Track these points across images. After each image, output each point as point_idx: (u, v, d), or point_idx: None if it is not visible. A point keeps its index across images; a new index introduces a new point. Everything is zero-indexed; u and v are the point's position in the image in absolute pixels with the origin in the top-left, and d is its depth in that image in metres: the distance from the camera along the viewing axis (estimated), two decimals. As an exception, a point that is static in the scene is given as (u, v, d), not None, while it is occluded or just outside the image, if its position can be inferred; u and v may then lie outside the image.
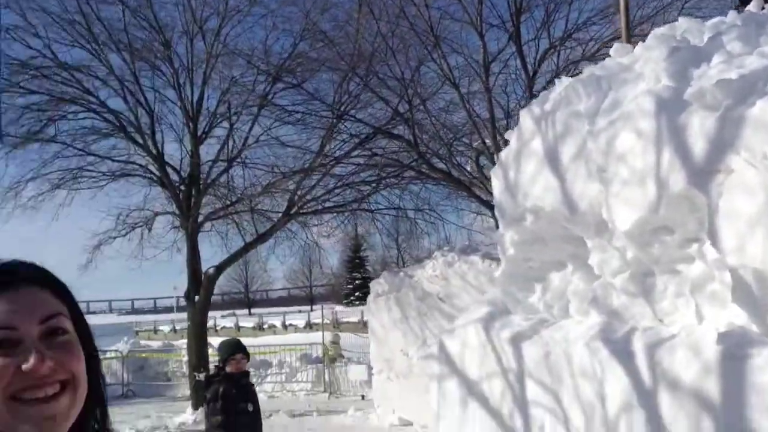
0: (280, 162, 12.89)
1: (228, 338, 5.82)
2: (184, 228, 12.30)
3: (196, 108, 12.06)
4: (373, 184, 12.62)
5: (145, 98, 11.85)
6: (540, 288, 4.70)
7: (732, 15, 4.33)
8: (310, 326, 39.39)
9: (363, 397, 15.28)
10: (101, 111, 11.71)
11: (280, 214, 12.81)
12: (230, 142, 12.25)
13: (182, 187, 12.33)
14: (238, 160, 12.52)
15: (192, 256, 12.23)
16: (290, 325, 41.92)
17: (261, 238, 13.02)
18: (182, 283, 12.99)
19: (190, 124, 12.06)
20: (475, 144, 10.75)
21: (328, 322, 25.16)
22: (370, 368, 15.10)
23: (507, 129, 10.25)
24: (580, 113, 3.92)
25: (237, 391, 4.99)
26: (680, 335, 3.66)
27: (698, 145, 3.39)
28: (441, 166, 10.41)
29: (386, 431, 11.43)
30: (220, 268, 12.83)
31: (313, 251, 15.42)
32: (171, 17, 11.88)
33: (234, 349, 5.21)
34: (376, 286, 13.05)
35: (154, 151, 11.88)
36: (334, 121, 11.45)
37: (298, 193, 12.40)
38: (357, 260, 56.55)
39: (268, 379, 16.91)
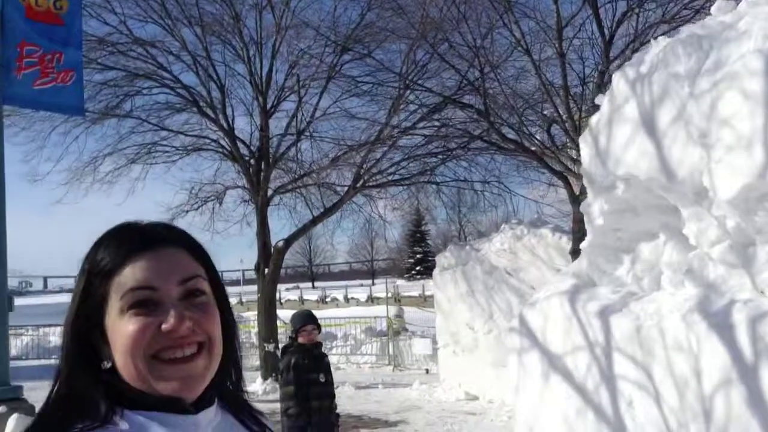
0: (347, 135, 12.91)
1: (300, 310, 5.82)
2: (254, 202, 12.47)
3: (265, 81, 12.14)
4: (440, 156, 12.48)
5: (216, 73, 12.05)
6: (629, 259, 4.53)
7: None
8: (371, 300, 39.85)
9: (427, 371, 15.32)
10: (175, 86, 11.93)
11: (347, 188, 12.83)
12: (299, 115, 12.32)
13: (252, 161, 12.48)
14: (306, 133, 12.58)
15: (262, 229, 12.40)
16: (352, 298, 42.47)
17: (328, 212, 13.09)
18: (249, 256, 13.25)
19: (260, 97, 12.15)
20: (546, 112, 10.44)
21: (390, 296, 25.26)
22: (434, 342, 15.12)
23: (582, 96, 9.96)
24: (679, 75, 3.71)
25: (308, 362, 5.03)
26: (786, 308, 3.46)
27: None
28: (512, 136, 10.15)
29: (452, 405, 11.41)
30: (288, 241, 12.98)
31: (379, 225, 15.42)
32: (241, -10, 11.92)
33: (305, 320, 5.25)
34: (442, 259, 12.98)
35: (225, 126, 12.05)
36: (402, 91, 11.32)
37: (364, 166, 12.38)
38: (418, 234, 56.62)
39: (333, 351, 17.15)
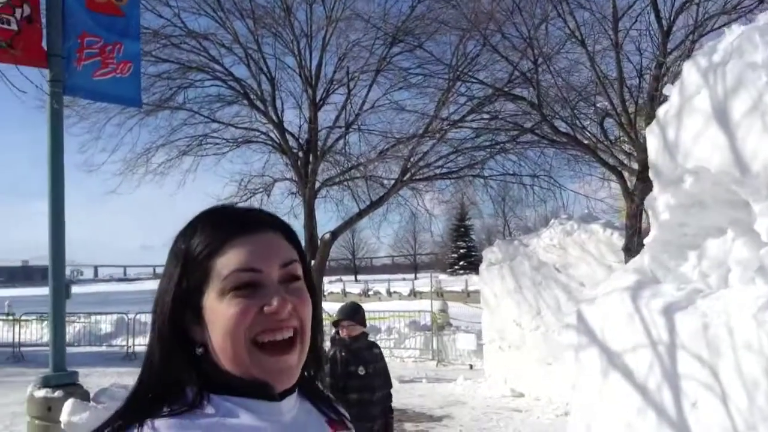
0: (395, 128, 12.87)
1: (345, 303, 5.77)
2: (302, 194, 12.53)
3: (314, 74, 12.18)
4: (488, 150, 12.35)
5: (267, 65, 12.10)
6: (695, 255, 4.39)
7: None
8: (414, 294, 39.92)
9: (471, 366, 15.24)
10: (226, 78, 12.05)
11: (394, 181, 12.80)
12: (348, 108, 12.33)
13: (300, 154, 12.54)
14: (354, 126, 12.58)
15: (309, 221, 12.46)
16: (395, 292, 42.63)
17: (374, 205, 13.08)
18: (296, 249, 13.29)
19: (309, 90, 12.20)
20: (599, 105, 10.23)
21: (432, 290, 25.20)
22: (478, 338, 15.03)
23: (639, 88, 9.71)
24: (756, 64, 3.57)
25: (346, 355, 5.02)
26: None
27: None
28: (564, 129, 9.97)
29: (497, 401, 11.32)
30: (335, 234, 13.02)
31: (424, 219, 15.35)
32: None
33: (339, 314, 5.28)
34: (489, 254, 12.87)
35: (275, 118, 12.12)
36: (451, 83, 11.22)
37: (412, 159, 12.33)
38: (462, 229, 56.35)
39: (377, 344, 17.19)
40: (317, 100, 12.30)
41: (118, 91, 7.08)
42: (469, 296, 35.41)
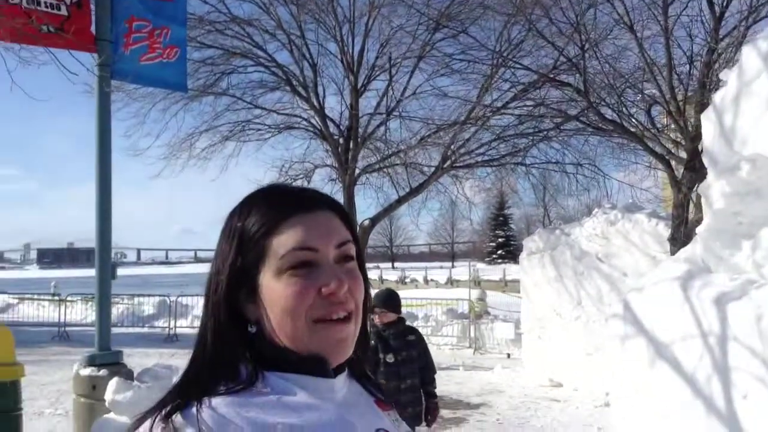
0: (436, 114, 12.79)
1: (379, 290, 5.66)
2: (342, 180, 12.56)
3: (356, 60, 12.17)
4: (531, 137, 12.19)
5: (309, 51, 12.12)
6: (749, 245, 4.26)
7: None
8: (451, 282, 39.84)
9: (509, 355, 15.17)
10: (269, 65, 12.11)
11: (434, 168, 12.74)
12: (389, 94, 12.30)
13: (341, 140, 12.56)
14: (396, 112, 12.55)
15: (349, 208, 12.49)
16: (432, 280, 42.62)
17: (414, 192, 13.04)
18: (336, 235, 13.31)
19: (351, 76, 12.20)
20: (647, 92, 9.99)
21: (470, 279, 25.12)
22: (517, 327, 14.93)
23: (689, 75, 9.46)
24: (820, 47, 3.43)
25: (376, 342, 5.00)
26: None
27: None
28: (610, 116, 9.77)
29: (535, 391, 11.24)
30: (374, 220, 13.04)
31: (464, 206, 15.25)
32: (336, -32, 11.96)
33: (373, 301, 5.13)
34: (529, 243, 12.74)
35: (316, 104, 12.16)
36: (495, 69, 11.08)
37: (453, 146, 12.24)
38: (501, 218, 55.86)
39: (414, 331, 17.21)
40: (359, 87, 12.28)
41: (165, 75, 7.17)
42: (506, 285, 35.23)
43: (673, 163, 9.50)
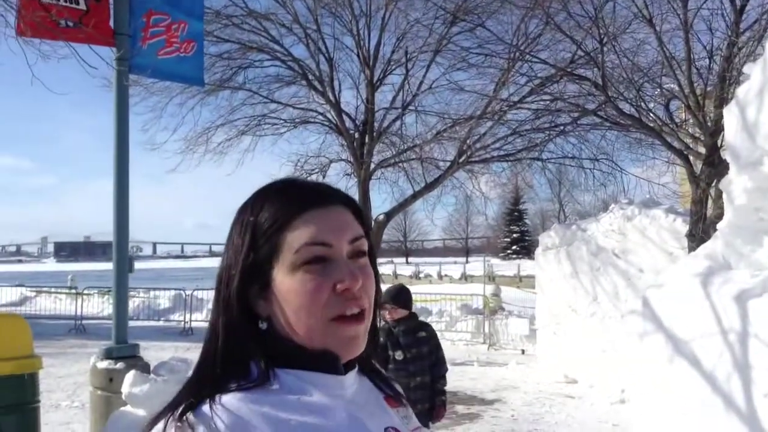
0: (452, 109, 12.74)
1: (389, 286, 5.58)
2: (357, 175, 12.56)
3: (373, 54, 12.16)
4: (547, 132, 12.11)
5: (326, 46, 12.15)
6: (771, 242, 4.21)
7: None
8: (465, 278, 39.76)
9: (523, 351, 15.12)
10: (285, 59, 12.14)
11: (449, 163, 12.70)
12: (405, 88, 12.27)
13: (356, 135, 12.56)
14: (411, 107, 12.53)
15: (363, 202, 12.49)
16: (446, 275, 42.57)
17: (429, 187, 13.02)
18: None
19: (367, 70, 12.18)
20: (666, 87, 9.87)
21: (484, 274, 25.04)
22: (531, 323, 14.87)
23: (709, 69, 9.33)
24: None
25: (384, 339, 4.95)
26: None
27: None
28: (628, 111, 9.67)
29: (550, 387, 11.19)
30: (389, 215, 13.03)
31: (479, 201, 15.19)
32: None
33: (384, 297, 5.06)
34: (545, 238, 12.67)
35: (332, 99, 12.15)
36: (511, 63, 11.01)
37: (468, 141, 12.19)
38: (516, 213, 55.60)
39: (428, 326, 17.19)
40: (375, 81, 12.27)
41: (182, 70, 7.18)
42: (521, 281, 35.11)
43: (691, 158, 9.39)
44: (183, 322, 18.83)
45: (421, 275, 43.79)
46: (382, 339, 4.94)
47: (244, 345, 0.97)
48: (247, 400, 0.91)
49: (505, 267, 43.40)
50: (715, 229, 5.20)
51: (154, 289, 22.21)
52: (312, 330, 0.96)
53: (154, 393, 5.91)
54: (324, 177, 13.60)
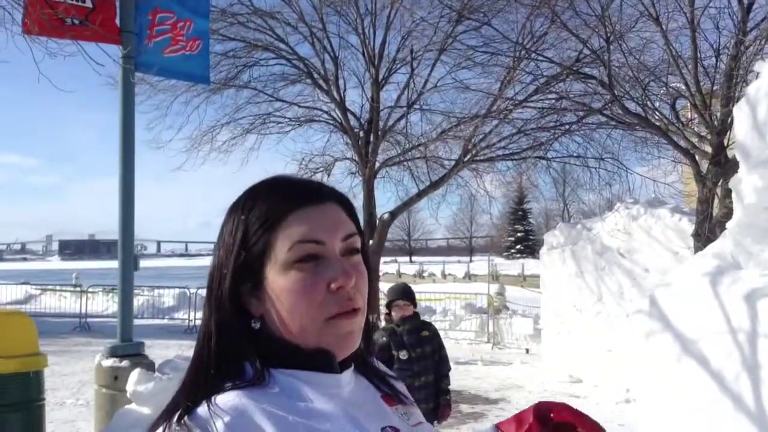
0: (457, 108, 12.74)
1: (394, 284, 5.52)
2: (362, 174, 12.56)
3: (378, 53, 12.15)
4: (553, 131, 12.08)
5: (331, 44, 12.14)
6: (780, 241, 4.18)
7: None
8: (469, 277, 39.75)
9: (528, 350, 15.10)
10: (290, 57, 12.15)
11: (454, 162, 12.68)
12: (410, 86, 12.26)
13: (361, 134, 12.56)
14: (416, 105, 12.51)
15: (368, 201, 12.49)
16: (449, 274, 42.59)
17: (434, 185, 13.01)
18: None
19: (372, 69, 12.18)
20: (672, 85, 9.83)
21: (488, 273, 25.03)
22: (536, 322, 14.85)
23: (716, 68, 9.30)
24: None
25: (388, 339, 4.90)
26: None
27: None
28: (634, 110, 9.64)
29: (554, 387, 11.17)
30: (394, 214, 13.02)
31: (483, 200, 15.17)
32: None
33: (393, 294, 5.06)
34: (550, 237, 12.64)
35: (337, 97, 12.16)
36: (517, 61, 10.99)
37: (473, 139, 12.17)
38: (520, 212, 55.55)
39: (432, 325, 17.19)
40: (380, 80, 12.26)
41: (188, 68, 7.18)
42: (525, 280, 35.11)
43: (697, 157, 9.35)
44: (187, 320, 18.85)
45: (425, 274, 43.80)
46: (385, 339, 4.90)
47: (237, 344, 0.96)
48: (244, 397, 0.90)
49: (509, 266, 43.39)
50: (722, 229, 5.18)
51: (159, 287, 22.23)
52: (306, 329, 0.95)
53: (159, 391, 5.91)
54: (329, 176, 13.62)
